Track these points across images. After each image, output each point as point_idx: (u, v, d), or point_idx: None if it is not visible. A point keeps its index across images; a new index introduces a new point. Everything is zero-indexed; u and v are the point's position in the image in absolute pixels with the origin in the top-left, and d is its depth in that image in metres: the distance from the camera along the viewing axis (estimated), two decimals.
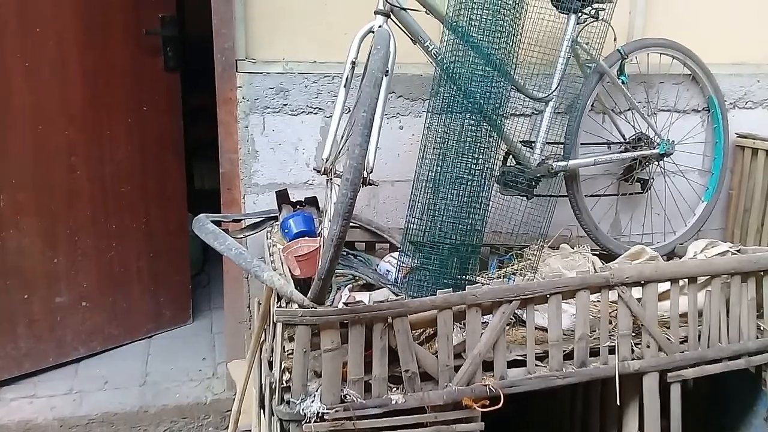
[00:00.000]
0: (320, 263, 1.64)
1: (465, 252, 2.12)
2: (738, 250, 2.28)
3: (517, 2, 2.06)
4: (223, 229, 2.28)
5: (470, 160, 2.09)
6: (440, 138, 2.12)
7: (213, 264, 3.46)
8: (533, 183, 2.34)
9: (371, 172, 1.93)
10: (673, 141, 2.62)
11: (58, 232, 2.65)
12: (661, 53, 2.64)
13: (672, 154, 2.62)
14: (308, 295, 1.71)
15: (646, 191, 2.68)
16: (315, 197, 2.36)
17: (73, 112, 2.60)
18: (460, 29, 2.06)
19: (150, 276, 2.95)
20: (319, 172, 1.94)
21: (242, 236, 2.33)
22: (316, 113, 2.46)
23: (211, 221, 2.13)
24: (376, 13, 2.00)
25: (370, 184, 1.93)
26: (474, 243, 2.12)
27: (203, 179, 4.21)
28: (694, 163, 2.84)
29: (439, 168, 2.11)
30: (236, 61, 2.36)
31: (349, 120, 2.11)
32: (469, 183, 2.09)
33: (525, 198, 2.34)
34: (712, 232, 2.94)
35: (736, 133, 2.86)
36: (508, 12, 2.05)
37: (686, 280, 2.04)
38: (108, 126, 2.70)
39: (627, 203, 2.82)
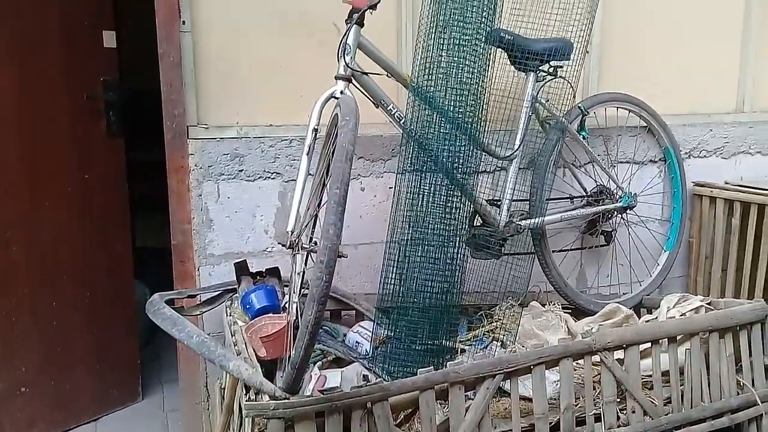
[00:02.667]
0: (294, 350, 1.51)
1: (442, 319, 2.03)
2: (709, 304, 2.26)
3: (482, 65, 2.02)
4: (177, 307, 2.14)
5: (442, 222, 2.02)
6: (409, 201, 2.04)
7: (162, 332, 3.25)
8: (502, 243, 2.29)
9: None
10: (635, 194, 2.62)
11: None
12: (617, 107, 2.65)
13: (635, 206, 2.61)
14: (280, 383, 1.58)
15: (610, 243, 2.66)
16: (277, 268, 2.23)
17: (7, 183, 2.42)
18: (424, 92, 2.00)
19: (95, 353, 2.74)
20: (283, 245, 1.82)
21: (198, 313, 2.18)
22: (273, 178, 2.36)
23: (165, 300, 1.99)
24: (337, 78, 1.92)
25: (339, 257, 1.83)
26: (451, 309, 2.04)
27: (146, 237, 3.98)
28: (654, 213, 2.84)
29: (409, 232, 2.03)
30: (187, 127, 2.24)
31: (313, 189, 2.01)
32: (443, 246, 2.01)
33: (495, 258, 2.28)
34: (674, 280, 2.94)
35: (693, 182, 2.89)
36: (473, 74, 2.00)
37: (666, 339, 2.00)
38: (46, 196, 2.52)
39: (591, 255, 2.80)
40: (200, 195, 2.29)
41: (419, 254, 2.02)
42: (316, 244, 1.82)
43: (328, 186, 1.91)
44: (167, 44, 2.16)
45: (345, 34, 1.95)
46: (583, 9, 2.33)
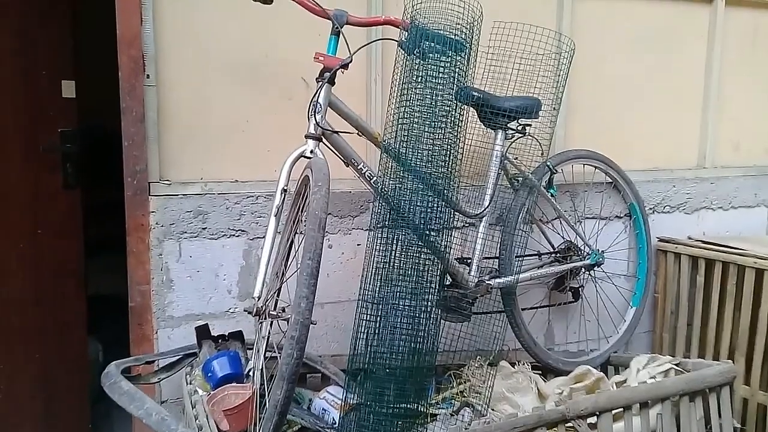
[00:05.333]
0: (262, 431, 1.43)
1: (414, 383, 1.97)
2: (677, 364, 2.25)
3: (453, 123, 2.00)
4: (134, 375, 2.03)
5: (414, 281, 1.97)
6: (381, 260, 1.99)
7: None
8: (472, 303, 2.24)
9: None
10: (602, 251, 2.62)
11: None
12: (584, 164, 2.66)
13: (603, 263, 2.60)
14: None
15: (578, 300, 2.65)
16: (240, 331, 2.14)
17: None
18: (395, 151, 1.97)
19: (44, 418, 2.59)
20: (250, 313, 1.74)
21: (156, 380, 2.07)
22: (238, 236, 2.28)
23: (122, 369, 1.88)
24: (307, 137, 1.87)
25: None
26: (424, 372, 1.97)
27: (98, 284, 3.77)
28: (620, 269, 2.84)
29: (383, 292, 1.98)
30: (149, 183, 2.15)
31: (279, 248, 1.94)
32: (416, 307, 1.96)
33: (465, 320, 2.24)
34: (641, 336, 2.94)
35: (657, 238, 2.91)
36: (444, 133, 1.98)
37: (638, 405, 1.97)
38: None
39: (559, 312, 2.78)
40: (161, 254, 2.19)
41: (392, 314, 1.96)
42: (283, 310, 1.74)
43: (296, 250, 1.86)
44: (130, 98, 2.09)
45: (316, 92, 1.91)
46: (554, 69, 2.35)
